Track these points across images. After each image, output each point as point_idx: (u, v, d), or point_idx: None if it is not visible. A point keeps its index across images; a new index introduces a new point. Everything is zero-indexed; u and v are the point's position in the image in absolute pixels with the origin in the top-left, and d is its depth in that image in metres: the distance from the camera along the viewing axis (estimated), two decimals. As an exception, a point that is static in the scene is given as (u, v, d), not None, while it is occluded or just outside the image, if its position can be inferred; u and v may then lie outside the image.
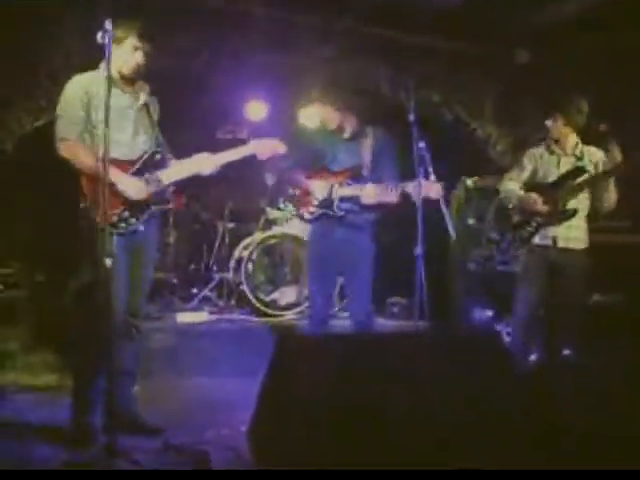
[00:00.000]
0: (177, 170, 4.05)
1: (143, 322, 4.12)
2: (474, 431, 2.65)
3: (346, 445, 2.51)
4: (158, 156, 3.97)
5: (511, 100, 7.38)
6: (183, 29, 6.32)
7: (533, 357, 5.14)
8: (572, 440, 2.95)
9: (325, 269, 4.72)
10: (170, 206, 4.10)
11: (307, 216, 4.74)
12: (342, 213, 4.65)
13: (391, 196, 4.51)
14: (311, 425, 2.56)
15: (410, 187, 4.38)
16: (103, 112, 3.66)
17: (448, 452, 2.58)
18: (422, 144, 4.21)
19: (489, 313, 6.81)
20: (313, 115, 7.20)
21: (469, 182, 6.76)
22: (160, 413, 4.31)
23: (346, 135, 4.78)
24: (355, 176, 4.68)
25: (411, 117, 4.26)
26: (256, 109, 7.72)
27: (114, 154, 3.70)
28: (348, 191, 4.64)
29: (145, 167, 3.94)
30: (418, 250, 4.17)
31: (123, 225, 3.82)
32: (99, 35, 3.61)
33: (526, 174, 5.20)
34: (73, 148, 3.82)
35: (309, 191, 4.73)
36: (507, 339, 5.32)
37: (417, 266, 4.15)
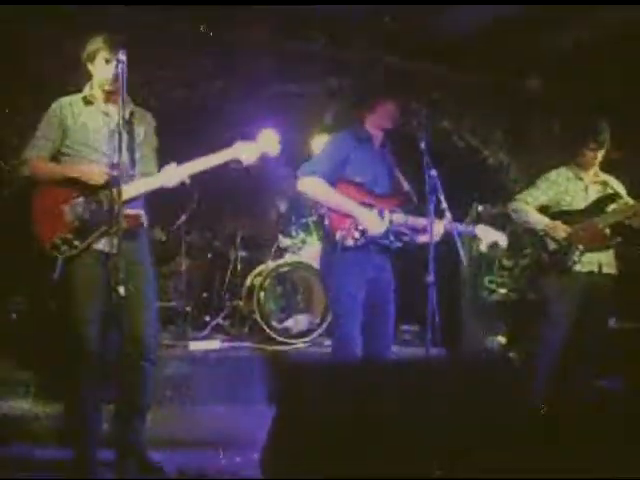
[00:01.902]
0: (135, 187, 3.76)
1: (152, 352, 3.88)
2: (485, 458, 2.65)
3: (359, 473, 2.51)
4: (116, 171, 3.55)
5: (522, 127, 7.41)
6: (196, 58, 6.38)
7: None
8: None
9: (359, 301, 4.36)
10: (123, 226, 3.47)
11: (349, 243, 4.30)
12: (399, 244, 4.43)
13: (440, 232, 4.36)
14: (324, 452, 2.56)
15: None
16: (76, 133, 3.77)
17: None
18: (433, 172, 4.20)
19: (501, 340, 6.79)
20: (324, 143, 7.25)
21: (480, 209, 6.78)
22: (173, 441, 4.31)
23: (378, 141, 4.58)
24: (404, 205, 4.51)
25: (422, 145, 4.24)
26: (268, 138, 7.75)
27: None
28: (402, 220, 4.42)
29: (104, 185, 3.69)
30: (430, 277, 4.14)
31: (65, 248, 3.65)
32: (113, 66, 3.67)
33: (544, 198, 5.18)
34: (34, 166, 3.77)
35: (349, 215, 4.32)
36: (519, 366, 5.28)
37: (429, 293, 4.13)
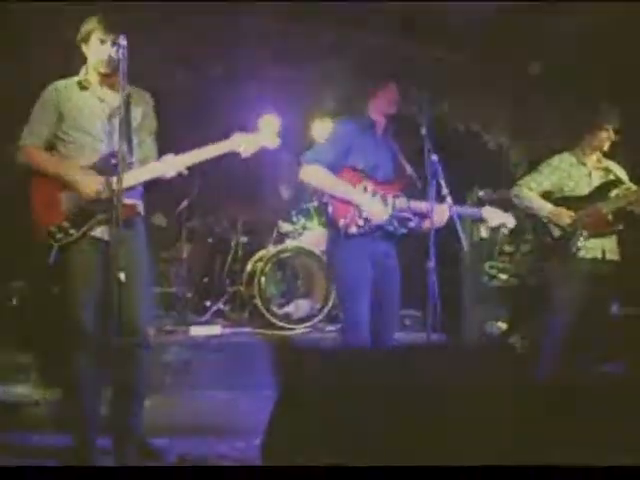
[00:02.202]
0: (134, 175, 3.70)
1: (147, 338, 3.85)
2: (484, 443, 2.65)
3: (361, 459, 2.51)
4: (113, 160, 3.57)
5: (524, 112, 7.39)
6: (197, 43, 6.36)
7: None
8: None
9: (365, 286, 4.34)
10: (119, 214, 3.41)
11: (353, 230, 4.29)
12: (404, 230, 4.42)
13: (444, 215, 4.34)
14: (325, 438, 2.56)
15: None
16: (72, 118, 3.72)
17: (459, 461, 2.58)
18: (434, 157, 4.18)
19: (502, 326, 6.79)
20: (326, 128, 7.24)
21: (481, 194, 6.77)
22: (173, 426, 4.32)
23: (381, 127, 4.56)
24: (407, 188, 4.48)
25: (423, 130, 4.23)
26: (269, 123, 7.74)
27: (77, 160, 3.71)
28: (405, 205, 4.40)
29: (99, 172, 3.68)
30: (430, 263, 4.14)
31: (61, 236, 3.63)
32: (112, 50, 3.64)
33: (547, 184, 5.17)
34: (31, 154, 3.75)
35: (350, 200, 4.32)
36: (520, 352, 5.30)
37: (429, 279, 4.12)
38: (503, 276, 6.97)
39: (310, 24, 6.50)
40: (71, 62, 3.94)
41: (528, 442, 2.65)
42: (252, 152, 3.81)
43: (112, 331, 3.65)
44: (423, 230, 4.42)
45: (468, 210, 4.57)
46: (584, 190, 5.13)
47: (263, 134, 3.87)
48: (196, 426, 4.47)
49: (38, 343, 5.21)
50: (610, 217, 5.04)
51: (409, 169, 4.61)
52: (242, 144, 3.78)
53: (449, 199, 4.24)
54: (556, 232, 5.12)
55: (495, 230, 4.77)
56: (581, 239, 5.00)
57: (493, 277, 6.97)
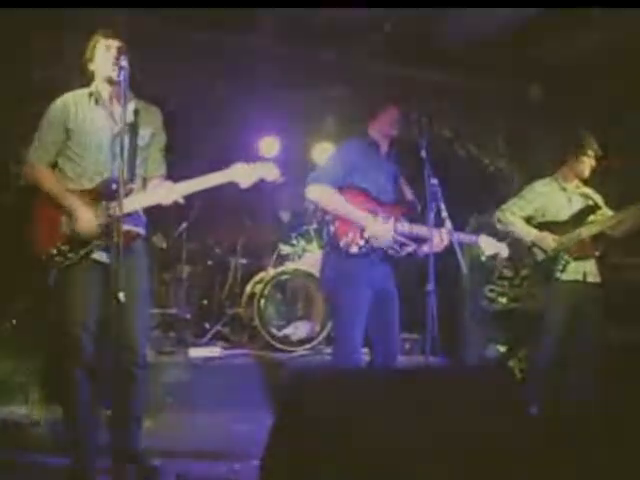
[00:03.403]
0: (134, 201, 3.73)
1: (144, 359, 3.88)
2: (483, 467, 2.65)
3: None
4: (114, 185, 3.61)
5: (524, 136, 7.42)
6: (198, 64, 6.40)
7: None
8: None
9: (363, 306, 4.35)
10: (119, 240, 3.42)
11: (354, 250, 4.31)
12: (403, 254, 4.41)
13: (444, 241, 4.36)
14: (324, 459, 2.57)
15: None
16: (78, 135, 3.75)
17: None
18: (434, 181, 4.21)
19: (501, 349, 6.79)
20: (326, 151, 7.27)
21: (480, 218, 6.78)
22: (173, 447, 4.32)
23: (383, 150, 4.60)
24: (408, 213, 4.51)
25: (423, 154, 4.26)
26: (269, 145, 7.79)
27: (77, 183, 3.74)
28: (407, 229, 4.41)
29: (99, 197, 3.71)
30: (430, 286, 4.14)
31: (60, 259, 3.67)
32: (115, 73, 3.68)
33: (530, 209, 5.28)
34: (36, 173, 3.78)
35: (354, 221, 4.33)
36: (519, 375, 5.31)
37: (429, 302, 4.13)
38: (502, 300, 6.98)
39: (311, 47, 6.55)
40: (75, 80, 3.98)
41: (527, 464, 2.65)
42: (251, 183, 3.80)
43: (110, 351, 3.67)
44: (421, 255, 4.44)
45: (465, 237, 4.58)
46: (564, 215, 5.28)
47: (262, 165, 3.84)
48: (195, 447, 4.46)
49: (37, 364, 5.22)
50: (588, 241, 5.17)
51: (410, 194, 4.65)
52: (241, 175, 3.77)
53: (448, 222, 4.26)
54: (539, 256, 5.23)
55: (494, 256, 4.83)
56: (563, 263, 5.13)
57: (492, 301, 6.98)
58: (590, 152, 5.27)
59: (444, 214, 4.22)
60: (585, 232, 5.15)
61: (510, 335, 6.78)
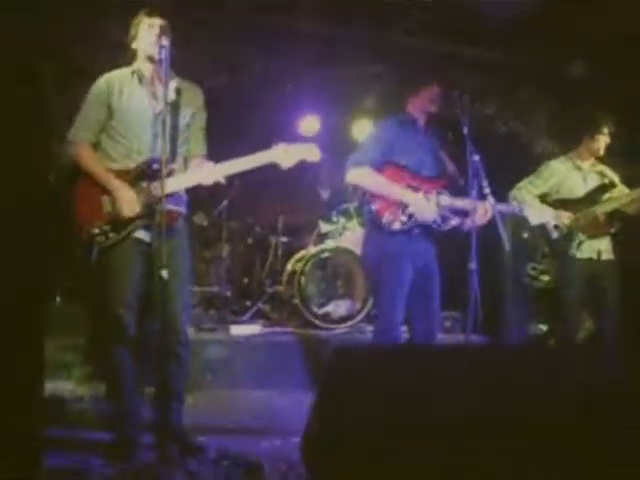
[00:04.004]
0: (176, 181, 3.73)
1: (186, 337, 3.91)
2: (526, 445, 2.63)
3: (400, 457, 2.51)
4: (156, 165, 3.66)
5: (567, 113, 7.31)
6: (235, 45, 6.39)
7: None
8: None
9: (404, 284, 4.36)
10: (161, 220, 3.49)
11: (396, 226, 4.32)
12: (446, 227, 4.41)
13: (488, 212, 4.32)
14: (364, 436, 2.56)
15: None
16: (121, 114, 3.77)
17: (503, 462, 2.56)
18: (476, 157, 4.17)
19: (543, 327, 6.74)
20: (366, 129, 7.24)
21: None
22: (214, 424, 4.35)
23: (421, 125, 4.57)
24: (449, 186, 4.48)
25: (465, 130, 4.22)
26: (309, 125, 7.77)
27: (119, 162, 3.76)
28: (448, 202, 4.40)
29: (141, 177, 3.74)
30: (472, 265, 4.12)
31: (102, 239, 3.69)
32: (155, 51, 3.69)
33: (545, 187, 5.27)
34: (78, 152, 3.80)
35: (397, 199, 4.34)
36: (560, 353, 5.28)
37: (471, 280, 4.10)
38: (545, 278, 6.90)
39: (350, 25, 6.49)
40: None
41: (570, 441, 2.63)
42: (292, 164, 3.79)
43: (152, 329, 3.71)
44: (465, 228, 4.40)
45: (509, 208, 4.55)
46: (580, 193, 5.29)
47: (304, 147, 3.83)
48: (235, 424, 4.50)
49: (80, 341, 5.29)
50: (603, 219, 5.19)
51: (451, 166, 4.61)
52: (282, 156, 3.76)
53: (490, 198, 4.22)
54: (555, 234, 5.23)
55: (537, 231, 4.83)
56: (577, 240, 5.14)
57: (534, 279, 6.91)
58: (605, 130, 5.28)
59: (486, 190, 4.19)
60: (600, 209, 5.18)
61: (551, 313, 6.72)
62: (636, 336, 5.32)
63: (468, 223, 4.34)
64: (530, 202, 5.21)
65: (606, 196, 5.24)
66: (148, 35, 3.76)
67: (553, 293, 5.55)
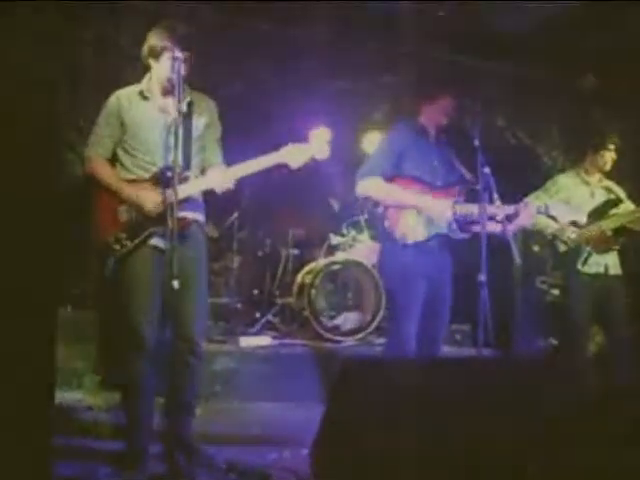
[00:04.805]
0: (189, 186, 3.75)
1: (199, 347, 3.90)
2: (538, 459, 2.62)
3: (410, 469, 2.50)
4: (169, 173, 3.64)
5: (577, 125, 7.30)
6: (251, 55, 6.42)
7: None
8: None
9: (418, 298, 4.35)
10: (174, 227, 3.49)
11: (410, 240, 4.29)
12: (464, 236, 4.38)
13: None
14: (374, 449, 2.56)
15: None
16: (133, 129, 3.80)
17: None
18: (487, 169, 4.17)
19: (553, 341, 6.71)
20: (377, 140, 7.24)
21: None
22: (223, 435, 4.35)
23: (432, 135, 4.55)
24: (467, 194, 4.43)
25: (476, 142, 4.21)
26: (320, 136, 7.76)
27: (135, 174, 3.79)
28: (465, 210, 4.34)
29: (155, 185, 3.75)
30: (482, 276, 4.10)
31: (118, 247, 3.71)
32: (169, 65, 3.70)
33: (552, 202, 5.23)
34: (94, 167, 3.84)
35: (410, 205, 4.32)
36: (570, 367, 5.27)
37: (481, 293, 4.09)
38: (555, 291, 6.88)
39: (360, 36, 6.52)
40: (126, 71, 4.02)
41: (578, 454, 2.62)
42: (302, 163, 3.81)
43: (167, 339, 3.72)
44: (499, 232, 4.35)
45: (533, 209, 4.46)
46: (587, 208, 5.24)
47: (313, 145, 3.86)
48: (244, 435, 4.50)
49: (91, 350, 5.29)
50: (610, 234, 5.18)
51: (466, 173, 4.57)
52: (292, 156, 3.78)
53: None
54: (562, 248, 5.26)
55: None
56: (585, 255, 5.17)
57: (545, 292, 6.89)
58: (611, 145, 5.29)
59: (497, 203, 4.18)
60: (606, 225, 5.17)
61: (561, 327, 6.70)
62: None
63: (488, 229, 4.27)
64: (537, 216, 5.21)
65: (613, 211, 5.25)
66: (168, 66, 3.71)
67: (561, 307, 5.54)
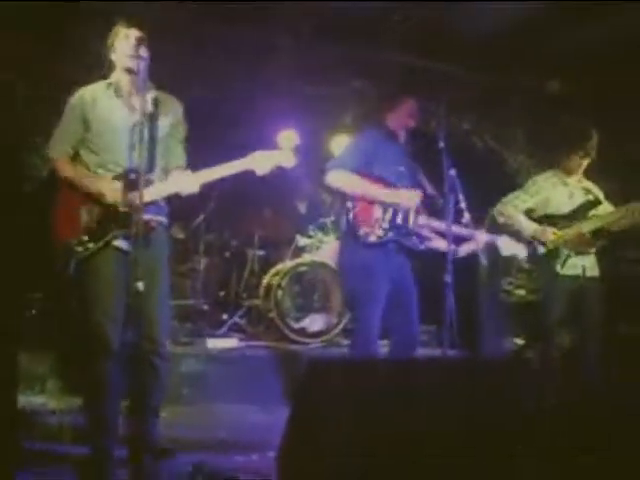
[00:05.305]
0: (154, 190, 3.71)
1: (165, 349, 3.85)
2: (498, 460, 2.64)
3: (375, 470, 2.51)
4: (132, 176, 3.61)
5: (542, 130, 7.37)
6: (217, 60, 6.39)
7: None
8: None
9: (381, 297, 4.39)
10: (138, 229, 3.43)
11: (373, 239, 4.34)
12: (422, 247, 4.47)
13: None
14: (340, 451, 2.56)
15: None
16: (97, 126, 3.74)
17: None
18: (452, 172, 4.20)
19: (519, 342, 6.77)
20: (344, 144, 7.26)
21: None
22: (189, 438, 4.33)
23: (401, 141, 4.62)
24: (429, 207, 4.53)
25: (441, 144, 4.25)
26: (287, 138, 7.77)
27: (98, 174, 3.73)
28: (425, 221, 4.49)
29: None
30: (448, 278, 4.14)
31: (80, 249, 3.66)
32: (134, 63, 3.68)
33: (531, 202, 5.29)
34: (57, 165, 3.80)
35: (377, 198, 4.37)
36: (537, 367, 5.30)
37: (447, 294, 4.12)
38: (520, 292, 6.95)
39: (329, 41, 6.52)
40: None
41: (541, 456, 2.64)
42: (268, 170, 3.78)
43: (131, 341, 3.68)
44: (441, 250, 4.42)
45: (485, 237, 4.58)
46: (566, 209, 5.27)
47: (279, 153, 3.84)
48: (211, 438, 4.48)
49: (55, 353, 5.24)
50: (589, 236, 5.16)
51: (429, 188, 4.62)
52: (258, 162, 3.76)
53: (466, 214, 4.25)
54: (541, 250, 5.23)
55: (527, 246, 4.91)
56: (563, 257, 5.13)
57: (510, 293, 6.95)
58: (592, 147, 5.25)
59: (462, 205, 4.22)
60: (585, 227, 5.15)
61: (527, 328, 6.76)
62: (616, 352, 5.35)
63: (442, 245, 4.37)
64: (516, 217, 5.22)
65: (592, 213, 5.23)
66: (125, 46, 3.71)
67: (536, 308, 5.56)
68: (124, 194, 3.65)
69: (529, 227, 5.21)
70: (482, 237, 4.56)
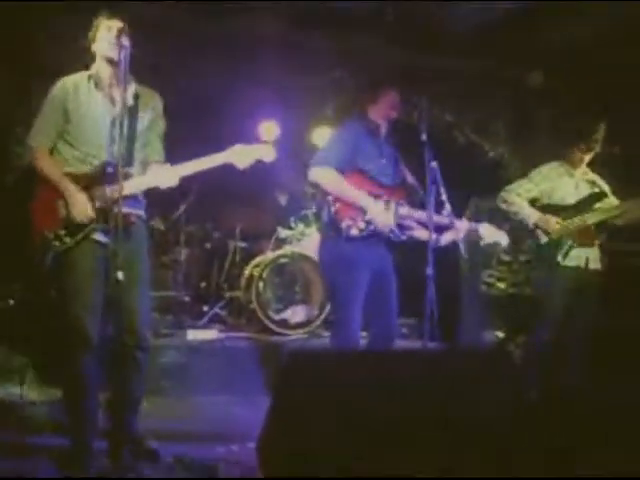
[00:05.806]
0: (132, 184, 3.69)
1: (146, 341, 3.84)
2: (479, 452, 2.65)
3: (355, 460, 2.51)
4: (110, 169, 3.61)
5: (524, 122, 7.40)
6: (198, 51, 6.36)
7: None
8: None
9: (361, 289, 4.39)
10: (117, 223, 3.39)
11: (354, 232, 4.33)
12: (404, 237, 4.45)
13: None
14: (320, 441, 2.56)
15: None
16: (77, 118, 3.71)
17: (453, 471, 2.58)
18: (434, 164, 4.21)
19: (499, 334, 6.80)
20: (325, 135, 7.25)
21: (479, 202, 6.77)
22: (170, 429, 4.32)
23: (383, 132, 4.61)
24: (410, 196, 4.53)
25: (423, 137, 4.25)
26: (269, 129, 7.77)
27: (75, 166, 3.71)
28: (407, 212, 4.47)
29: (96, 180, 3.66)
30: (428, 270, 4.14)
31: (57, 243, 3.63)
32: (115, 53, 3.65)
33: (536, 191, 5.27)
34: (36, 156, 3.76)
35: (357, 204, 4.35)
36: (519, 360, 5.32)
37: (427, 286, 4.13)
38: (501, 285, 6.98)
39: (311, 32, 6.51)
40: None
41: (527, 448, 2.65)
42: (248, 164, 3.78)
43: (112, 333, 3.67)
44: (422, 240, 4.43)
45: (467, 226, 4.59)
46: (571, 200, 5.26)
47: (259, 147, 3.84)
48: (191, 429, 4.47)
49: (36, 344, 5.21)
50: (593, 228, 5.18)
51: (411, 178, 4.64)
52: (238, 156, 3.75)
53: (447, 205, 4.26)
54: (543, 239, 5.22)
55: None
56: (566, 247, 5.12)
57: (491, 285, 6.98)
58: (595, 141, 5.22)
59: (443, 197, 4.23)
60: (591, 219, 5.15)
61: (508, 321, 6.79)
62: (615, 345, 5.37)
63: (423, 235, 4.38)
64: (520, 204, 5.22)
65: (596, 205, 5.22)
66: (107, 36, 3.69)
67: (526, 301, 5.55)
68: (101, 193, 3.63)
69: (533, 215, 5.20)
70: (464, 225, 4.56)
